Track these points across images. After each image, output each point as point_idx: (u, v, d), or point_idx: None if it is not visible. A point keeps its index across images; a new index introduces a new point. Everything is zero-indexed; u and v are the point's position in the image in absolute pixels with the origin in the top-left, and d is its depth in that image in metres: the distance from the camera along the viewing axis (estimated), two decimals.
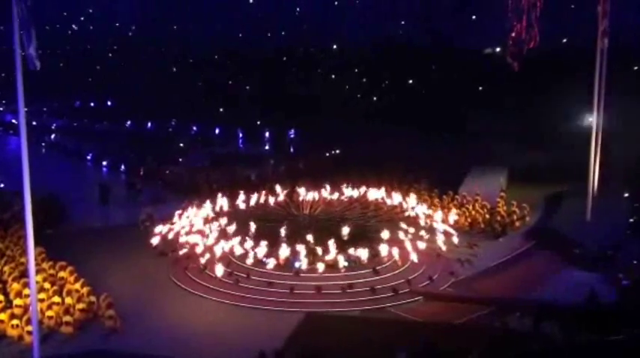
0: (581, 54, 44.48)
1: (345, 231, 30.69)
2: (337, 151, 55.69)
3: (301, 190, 36.93)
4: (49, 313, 25.10)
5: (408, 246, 31.21)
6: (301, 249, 29.98)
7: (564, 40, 69.35)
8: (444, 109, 60.96)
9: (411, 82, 73.00)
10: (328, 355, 20.29)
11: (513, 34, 29.81)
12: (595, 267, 29.36)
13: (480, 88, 66.56)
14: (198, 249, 31.35)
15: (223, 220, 33.63)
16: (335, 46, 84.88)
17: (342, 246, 30.31)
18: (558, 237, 33.40)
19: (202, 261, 30.63)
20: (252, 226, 32.05)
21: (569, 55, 59.69)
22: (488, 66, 64.70)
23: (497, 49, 64.95)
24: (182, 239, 32.46)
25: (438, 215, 34.94)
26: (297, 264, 29.56)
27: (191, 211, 35.30)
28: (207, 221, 33.95)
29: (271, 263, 29.74)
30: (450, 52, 71.87)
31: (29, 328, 23.15)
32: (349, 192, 37.21)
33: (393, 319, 26.06)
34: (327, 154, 55.21)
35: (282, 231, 31.31)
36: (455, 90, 64.23)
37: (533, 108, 56.63)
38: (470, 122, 57.86)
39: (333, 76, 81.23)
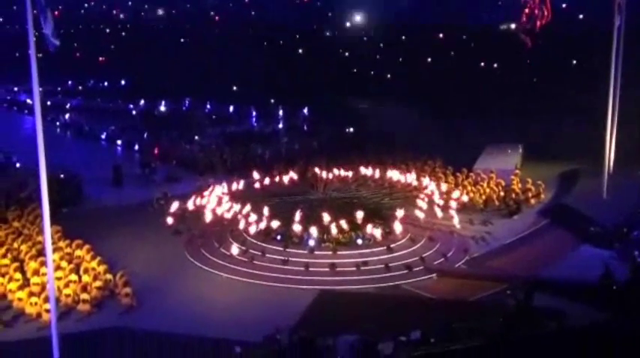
0: (597, 30, 43.91)
1: (360, 214, 30.57)
2: (351, 129, 55.57)
3: (315, 168, 36.90)
4: (67, 291, 25.36)
5: (422, 223, 31.21)
6: (314, 227, 29.97)
7: (580, 16, 68.66)
8: (459, 87, 60.67)
9: (425, 59, 72.67)
10: (342, 332, 20.35)
11: (527, 11, 29.55)
12: (610, 244, 29.22)
13: (495, 65, 66.17)
14: (214, 227, 31.44)
15: (238, 198, 33.68)
16: (348, 24, 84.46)
17: (356, 224, 30.32)
18: (573, 214, 33.21)
19: (217, 238, 30.81)
20: (267, 204, 32.06)
21: (585, 32, 59.06)
22: (503, 42, 64.24)
23: (513, 26, 64.39)
24: (197, 217, 32.59)
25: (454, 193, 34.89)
26: (310, 242, 29.62)
27: (207, 190, 35.43)
28: (222, 200, 34.02)
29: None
30: (462, 29, 71.47)
31: (47, 306, 23.43)
32: (363, 170, 37.15)
33: (407, 296, 26.12)
34: (341, 133, 55.10)
35: (297, 210, 31.20)
36: (468, 68, 63.88)
37: (548, 84, 56.18)
38: (484, 100, 57.51)
39: (347, 54, 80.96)
